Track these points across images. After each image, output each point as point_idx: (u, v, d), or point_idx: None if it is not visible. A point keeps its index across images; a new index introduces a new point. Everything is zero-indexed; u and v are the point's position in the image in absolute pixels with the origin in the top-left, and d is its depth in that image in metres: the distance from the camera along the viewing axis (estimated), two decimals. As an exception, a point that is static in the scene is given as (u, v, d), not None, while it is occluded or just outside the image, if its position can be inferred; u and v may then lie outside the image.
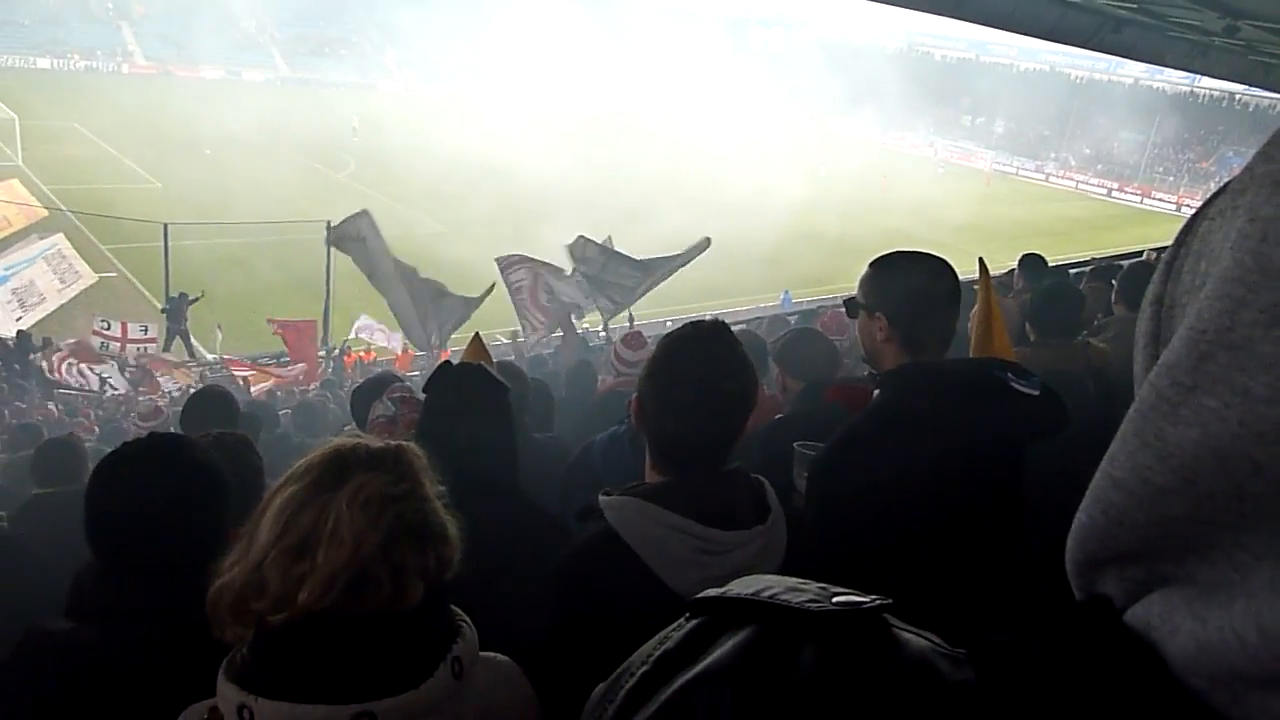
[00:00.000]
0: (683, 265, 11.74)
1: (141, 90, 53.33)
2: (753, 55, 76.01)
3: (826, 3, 74.74)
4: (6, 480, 5.86)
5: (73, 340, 15.99)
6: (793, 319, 8.81)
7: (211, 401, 3.79)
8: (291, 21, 69.32)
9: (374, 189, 35.80)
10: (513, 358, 11.57)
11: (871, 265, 2.24)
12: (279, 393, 14.65)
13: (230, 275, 24.23)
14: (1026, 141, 69.10)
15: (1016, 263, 6.30)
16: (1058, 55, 70.63)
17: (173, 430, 6.93)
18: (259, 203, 29.65)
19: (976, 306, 2.54)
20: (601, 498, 1.75)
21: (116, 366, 15.67)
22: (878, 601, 0.59)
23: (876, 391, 2.20)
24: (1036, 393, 2.08)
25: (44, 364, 15.23)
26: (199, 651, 1.28)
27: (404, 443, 1.35)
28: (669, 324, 19.25)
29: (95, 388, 14.97)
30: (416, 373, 13.63)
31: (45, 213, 26.56)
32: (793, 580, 0.64)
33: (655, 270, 11.53)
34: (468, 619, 1.35)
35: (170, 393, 15.32)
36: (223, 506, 1.72)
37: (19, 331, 17.60)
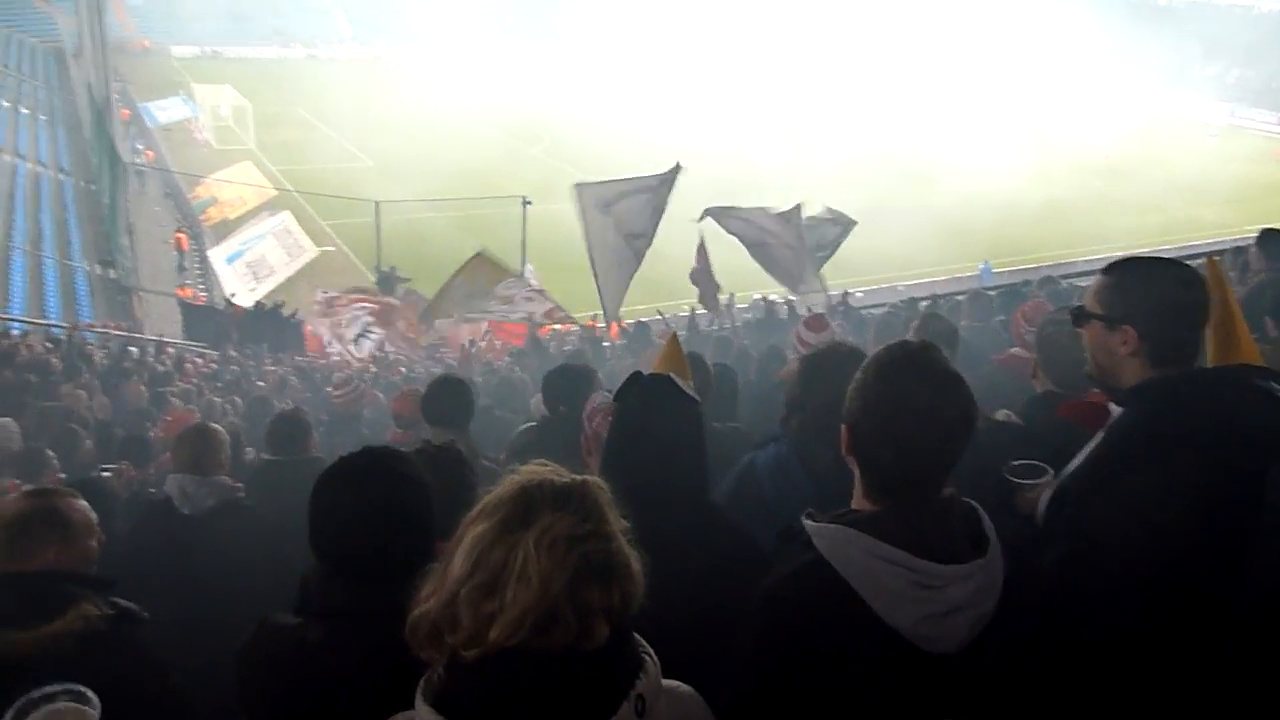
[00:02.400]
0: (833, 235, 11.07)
1: (356, 74, 56.98)
2: (955, 11, 72.18)
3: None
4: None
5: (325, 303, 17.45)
6: (993, 294, 8.41)
7: (452, 390, 4.04)
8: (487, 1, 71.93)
9: (564, 161, 36.81)
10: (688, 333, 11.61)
11: (1112, 272, 2.06)
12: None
13: (434, 247, 25.61)
14: (1270, 92, 62.05)
15: (1255, 239, 5.58)
16: (1310, -9, 63.00)
17: (369, 389, 7.45)
18: (460, 176, 31.16)
19: (1213, 310, 2.26)
20: (808, 524, 1.70)
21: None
22: None
23: (1115, 408, 2.02)
24: None
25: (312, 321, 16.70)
26: (406, 657, 1.37)
27: (589, 478, 1.39)
28: (860, 294, 18.79)
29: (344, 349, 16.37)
30: (608, 343, 13.94)
31: (275, 192, 28.93)
32: None
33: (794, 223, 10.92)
34: (650, 651, 1.38)
35: (371, 356, 16.45)
36: (429, 517, 1.84)
37: (256, 303, 19.36)
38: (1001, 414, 2.91)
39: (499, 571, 1.26)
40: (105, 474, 5.74)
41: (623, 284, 10.86)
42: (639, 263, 10.79)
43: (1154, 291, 1.98)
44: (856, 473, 1.77)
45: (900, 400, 1.68)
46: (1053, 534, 1.97)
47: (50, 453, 4.91)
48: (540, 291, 11.13)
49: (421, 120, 42.19)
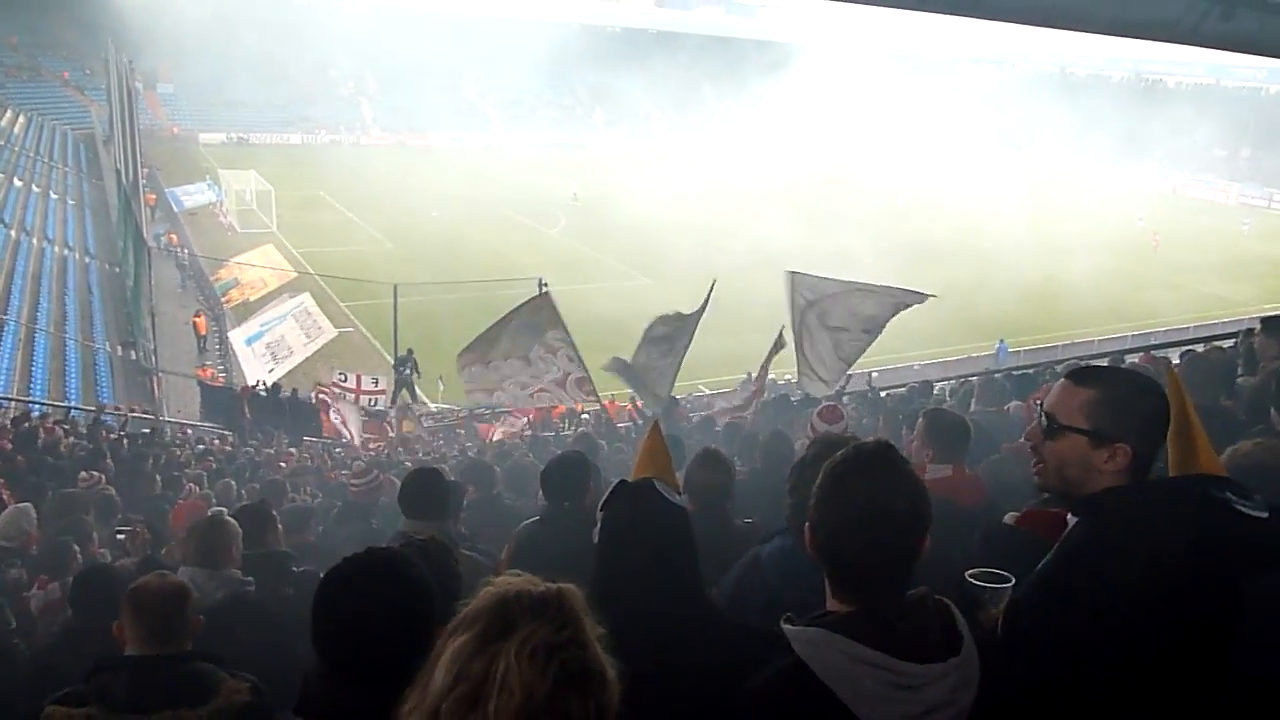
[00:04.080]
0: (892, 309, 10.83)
1: (378, 159, 58.32)
2: (965, 96, 73.64)
3: (1029, 36, 69.76)
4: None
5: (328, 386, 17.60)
6: (1000, 377, 8.33)
7: (425, 483, 4.00)
8: (506, 87, 73.82)
9: (581, 242, 37.39)
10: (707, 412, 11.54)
11: (1097, 386, 1.94)
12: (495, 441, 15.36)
13: (452, 328, 25.85)
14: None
15: (1260, 327, 5.51)
16: (1315, 73, 64.09)
17: (387, 478, 7.43)
18: (478, 258, 31.67)
19: (1173, 420, 2.14)
20: (786, 627, 1.73)
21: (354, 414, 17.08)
22: None
23: (1071, 518, 1.96)
24: (1264, 514, 1.79)
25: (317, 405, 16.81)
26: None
27: (564, 586, 1.40)
28: (874, 375, 18.74)
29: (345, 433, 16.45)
30: (625, 423, 13.93)
31: (295, 275, 29.37)
32: None
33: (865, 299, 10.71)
34: None
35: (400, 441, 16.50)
36: (430, 616, 1.83)
37: (274, 384, 19.52)
38: (1009, 517, 2.87)
39: (481, 683, 1.27)
40: (120, 535, 5.78)
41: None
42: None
43: (1147, 407, 1.92)
44: (824, 572, 1.81)
45: (844, 495, 1.74)
46: (1011, 646, 1.90)
47: (76, 546, 4.92)
48: (580, 360, 11.11)
49: (440, 203, 43.02)
